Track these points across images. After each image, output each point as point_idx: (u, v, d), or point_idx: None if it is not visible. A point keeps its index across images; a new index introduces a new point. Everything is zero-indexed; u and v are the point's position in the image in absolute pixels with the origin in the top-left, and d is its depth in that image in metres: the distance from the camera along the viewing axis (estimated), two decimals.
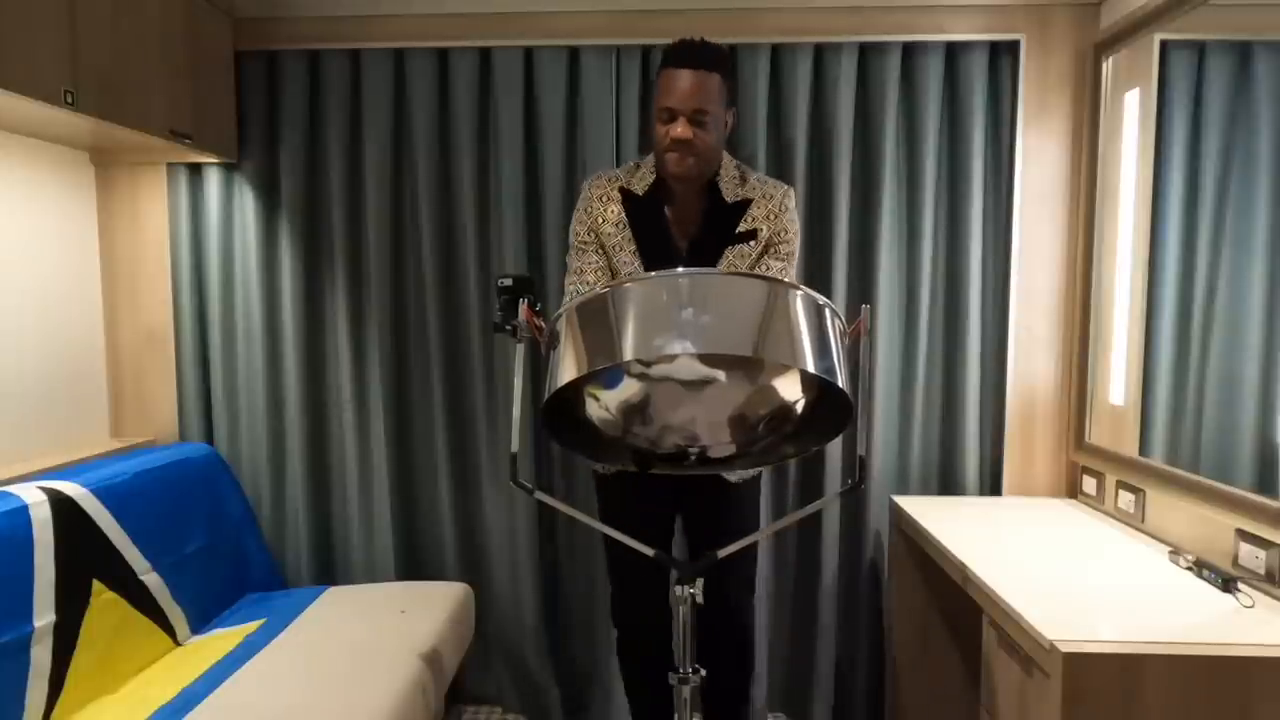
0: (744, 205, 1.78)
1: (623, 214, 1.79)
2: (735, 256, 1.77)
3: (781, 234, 1.79)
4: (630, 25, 2.31)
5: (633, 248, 1.79)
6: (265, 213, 2.43)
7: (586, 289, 1.75)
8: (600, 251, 1.82)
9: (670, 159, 1.71)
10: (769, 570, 2.40)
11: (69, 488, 1.80)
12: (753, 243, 1.77)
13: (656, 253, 1.78)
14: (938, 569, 1.90)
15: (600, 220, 1.81)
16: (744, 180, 1.80)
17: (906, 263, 2.36)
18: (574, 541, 2.47)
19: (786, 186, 1.83)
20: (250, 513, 2.42)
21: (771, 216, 1.77)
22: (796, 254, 1.85)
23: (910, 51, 2.30)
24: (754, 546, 2.01)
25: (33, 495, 1.71)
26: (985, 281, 2.37)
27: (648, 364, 1.25)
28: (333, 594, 2.30)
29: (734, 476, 1.83)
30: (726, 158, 1.82)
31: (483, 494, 2.48)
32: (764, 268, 1.79)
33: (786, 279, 1.77)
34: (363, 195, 2.41)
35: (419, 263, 2.43)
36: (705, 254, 1.77)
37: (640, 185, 1.80)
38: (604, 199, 1.82)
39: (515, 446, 1.33)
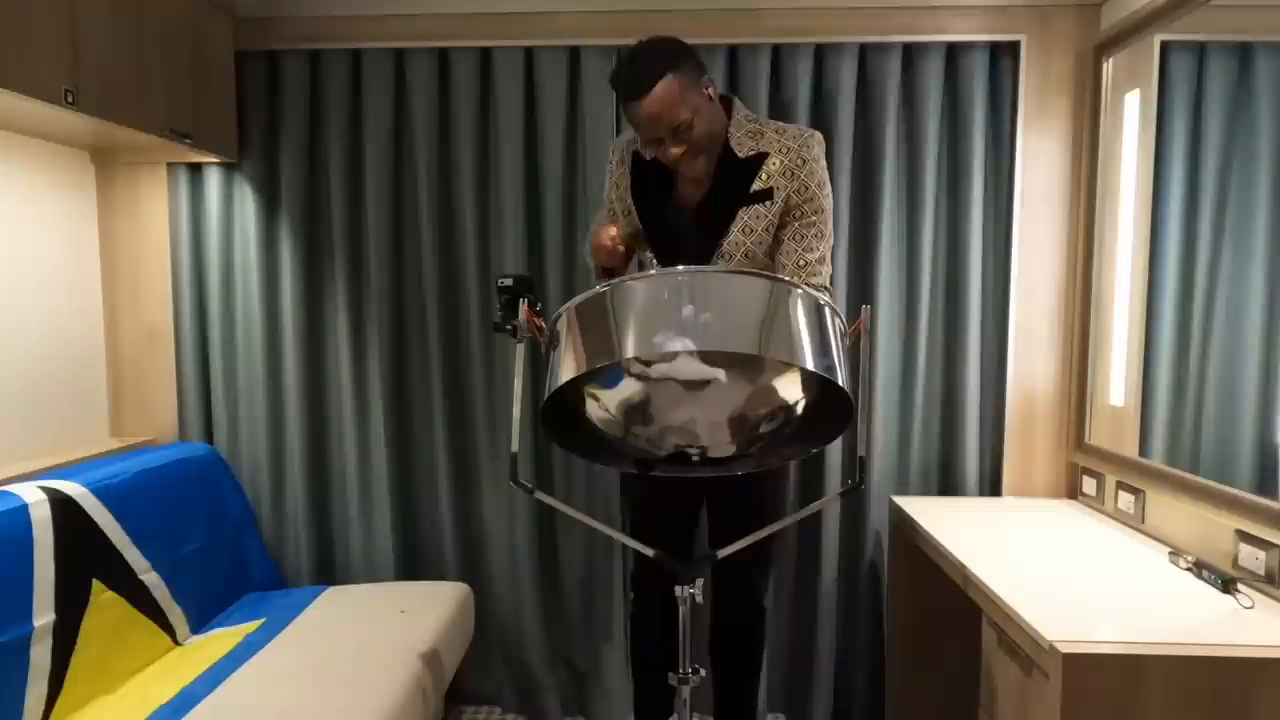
0: (760, 159, 1.67)
1: (629, 178, 1.80)
2: (750, 218, 1.67)
3: (802, 191, 1.65)
4: (630, 25, 2.30)
5: (635, 214, 1.78)
6: (265, 213, 2.43)
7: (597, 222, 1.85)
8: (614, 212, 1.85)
9: (680, 170, 1.67)
10: None
11: (69, 487, 1.80)
12: (768, 203, 1.66)
13: (655, 217, 1.76)
14: (938, 569, 1.90)
15: (615, 185, 1.84)
16: (760, 133, 1.68)
17: (906, 263, 2.36)
18: (574, 541, 2.46)
19: (810, 133, 1.69)
20: (250, 513, 2.42)
21: (788, 173, 1.65)
22: (829, 209, 1.70)
23: (911, 52, 2.30)
24: (772, 539, 1.95)
25: (33, 495, 1.71)
26: (985, 281, 2.36)
27: (648, 363, 1.25)
28: (332, 594, 2.30)
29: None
30: (738, 113, 1.71)
31: (483, 494, 2.48)
32: (791, 238, 1.67)
33: (819, 249, 1.68)
34: (363, 195, 2.41)
35: (419, 263, 2.43)
36: (715, 214, 1.69)
37: (648, 149, 1.72)
38: (620, 162, 1.83)
39: (515, 446, 1.33)
